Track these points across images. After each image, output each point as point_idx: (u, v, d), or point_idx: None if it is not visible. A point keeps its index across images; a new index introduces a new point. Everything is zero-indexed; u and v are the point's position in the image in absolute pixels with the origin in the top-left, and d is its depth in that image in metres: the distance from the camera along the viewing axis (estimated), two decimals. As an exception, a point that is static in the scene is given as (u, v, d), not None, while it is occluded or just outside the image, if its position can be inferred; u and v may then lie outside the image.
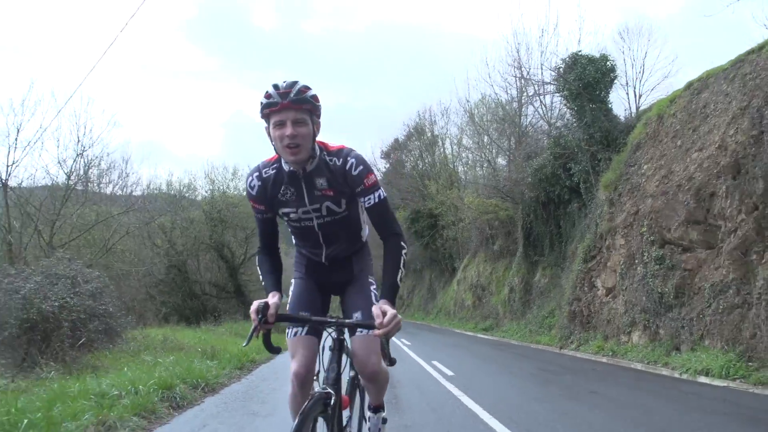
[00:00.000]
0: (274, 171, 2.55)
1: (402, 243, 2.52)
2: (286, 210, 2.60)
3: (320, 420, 2.18)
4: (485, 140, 25.84)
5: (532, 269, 19.98)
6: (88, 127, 28.58)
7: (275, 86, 2.37)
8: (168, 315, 26.44)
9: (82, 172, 23.10)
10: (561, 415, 5.77)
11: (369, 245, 2.95)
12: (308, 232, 2.67)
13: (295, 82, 2.38)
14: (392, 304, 2.31)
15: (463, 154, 32.73)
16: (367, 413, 3.00)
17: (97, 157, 23.56)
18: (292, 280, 2.90)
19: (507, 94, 22.51)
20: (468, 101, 28.44)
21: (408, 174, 38.71)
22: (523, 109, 22.75)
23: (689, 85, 12.73)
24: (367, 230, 2.87)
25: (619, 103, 20.23)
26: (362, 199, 2.53)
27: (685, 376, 8.38)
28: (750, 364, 7.70)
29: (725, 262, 8.77)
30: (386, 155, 42.33)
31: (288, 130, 2.34)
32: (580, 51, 16.46)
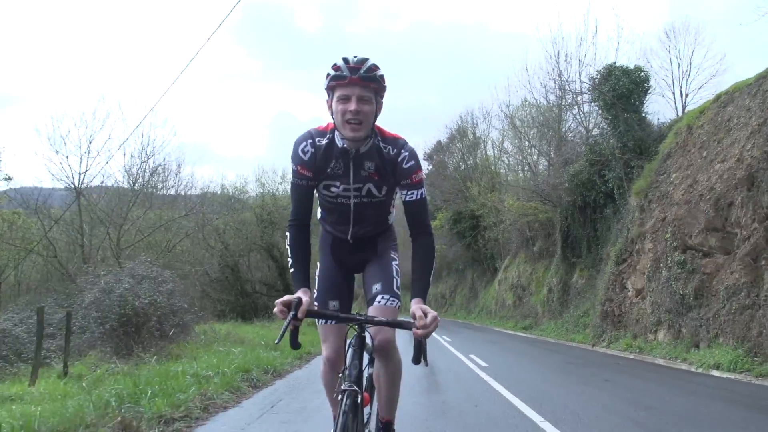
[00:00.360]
0: (327, 141, 2.56)
1: (432, 240, 2.61)
2: (329, 183, 2.61)
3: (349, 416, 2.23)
4: (525, 144, 26.70)
5: (570, 270, 20.83)
6: (152, 137, 30.94)
7: (345, 60, 2.39)
8: (224, 312, 28.37)
9: (146, 178, 25.21)
10: (571, 394, 6.89)
11: (394, 228, 2.99)
12: (342, 209, 2.70)
13: (366, 59, 2.40)
14: (425, 301, 2.38)
15: (504, 158, 33.51)
16: None
17: (159, 165, 25.65)
18: (318, 264, 2.93)
19: (546, 100, 23.36)
20: (508, 106, 29.45)
21: (450, 175, 39.72)
22: (562, 115, 23.53)
23: (717, 97, 13.51)
24: (393, 214, 2.92)
25: (665, 103, 20.82)
26: (405, 192, 2.57)
27: (699, 370, 9.31)
28: (756, 359, 8.60)
29: (738, 267, 9.66)
30: (429, 157, 43.47)
31: (352, 106, 2.37)
32: (614, 63, 17.32)
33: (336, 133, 2.52)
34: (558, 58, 21.71)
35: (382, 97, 2.48)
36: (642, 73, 16.66)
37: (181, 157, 65.19)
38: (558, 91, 21.97)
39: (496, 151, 34.74)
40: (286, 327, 2.22)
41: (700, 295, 10.66)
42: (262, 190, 35.06)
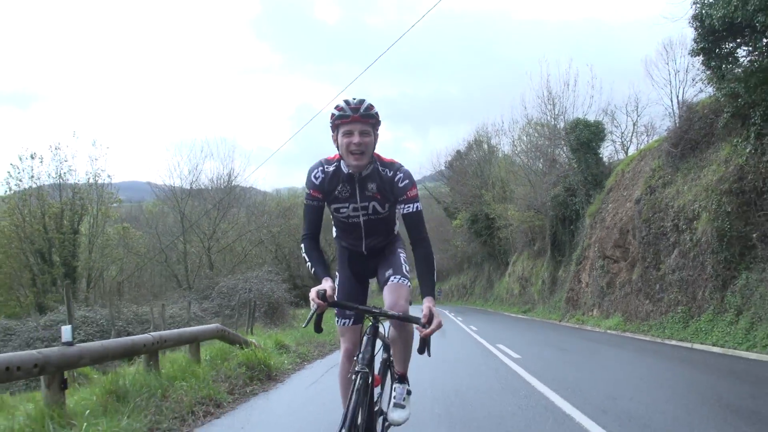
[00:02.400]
0: (334, 168, 3.18)
1: (430, 249, 3.19)
2: (338, 205, 3.25)
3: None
4: (525, 161, 33.72)
5: (557, 266, 27.87)
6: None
7: (346, 102, 3.03)
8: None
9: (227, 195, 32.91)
10: (526, 337, 14.13)
11: (400, 235, 3.62)
12: (353, 227, 3.35)
13: (363, 100, 3.04)
14: (434, 298, 2.93)
15: (512, 171, 40.47)
16: (393, 385, 3.54)
17: (235, 184, 33.32)
18: (337, 274, 3.58)
19: (538, 132, 30.40)
20: (514, 124, 36.43)
21: (468, 182, 46.75)
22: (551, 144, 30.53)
23: (640, 152, 20.48)
24: (398, 225, 3.56)
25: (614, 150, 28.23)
26: (402, 206, 3.17)
27: (604, 330, 16.45)
28: (628, 323, 15.75)
29: (625, 270, 16.80)
30: (450, 165, 50.60)
31: (355, 139, 3.00)
32: (579, 117, 24.32)
33: (342, 161, 3.15)
34: (547, 100, 28.78)
35: (377, 130, 3.11)
36: (599, 126, 23.65)
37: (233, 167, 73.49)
38: (546, 130, 29.01)
39: (506, 164, 41.54)
40: (313, 314, 2.83)
41: (610, 287, 17.81)
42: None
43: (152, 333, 7.30)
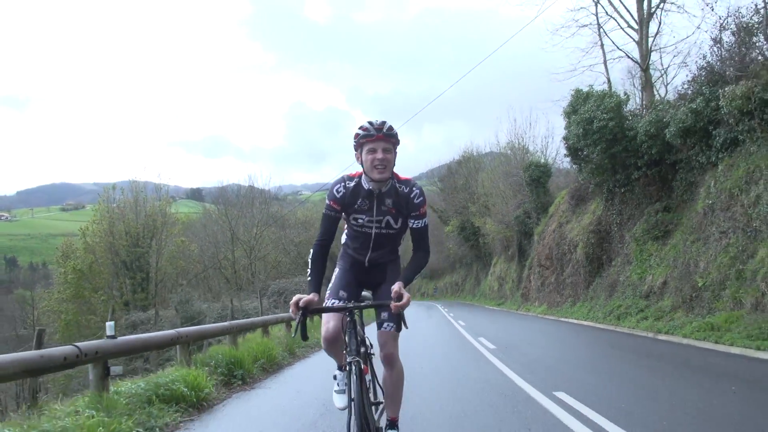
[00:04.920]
0: (355, 184, 3.64)
1: (427, 256, 3.69)
2: (357, 215, 3.69)
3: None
4: (500, 187, 43.07)
5: (521, 269, 37.27)
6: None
7: (370, 123, 3.48)
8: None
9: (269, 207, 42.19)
10: (481, 318, 23.47)
11: (400, 258, 4.05)
12: (364, 237, 3.77)
13: (385, 122, 3.49)
14: (405, 286, 3.37)
15: (490, 192, 49.82)
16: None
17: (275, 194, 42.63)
18: (336, 269, 3.99)
19: (508, 164, 39.83)
20: (492, 152, 45.74)
21: (458, 195, 56.08)
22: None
23: (562, 195, 29.85)
24: (401, 246, 4.03)
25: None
26: (413, 221, 3.65)
27: (535, 314, 25.82)
28: (551, 309, 25.16)
29: (551, 273, 26.25)
30: (441, 179, 60.01)
31: (379, 155, 3.44)
32: (533, 159, 33.69)
33: (363, 178, 3.61)
34: (515, 139, 38.19)
35: (396, 149, 3.57)
36: (547, 166, 33.01)
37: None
38: (515, 160, 38.46)
39: (487, 183, 50.86)
40: (299, 323, 3.22)
41: (543, 285, 27.25)
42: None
43: (231, 321, 10.80)
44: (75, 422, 4.56)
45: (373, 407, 3.65)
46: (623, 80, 33.15)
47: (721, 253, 13.14)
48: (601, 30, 20.66)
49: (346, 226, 3.89)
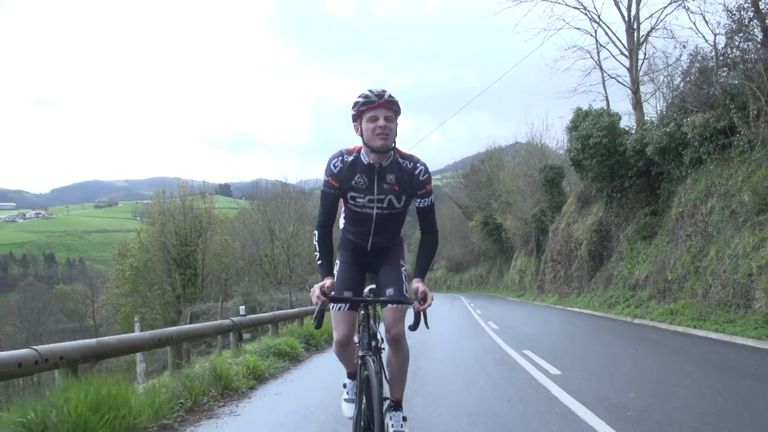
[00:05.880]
0: (353, 158, 3.46)
1: (437, 238, 3.58)
2: (354, 194, 3.49)
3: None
4: (519, 185, 46.21)
5: (539, 262, 40.49)
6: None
7: (370, 90, 3.35)
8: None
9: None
10: (503, 310, 26.87)
11: (402, 239, 3.98)
12: (365, 219, 3.59)
13: (385, 90, 3.35)
14: (423, 281, 3.29)
15: (511, 190, 52.92)
16: (389, 413, 3.64)
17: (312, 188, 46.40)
18: (337, 262, 3.83)
19: (526, 165, 42.99)
20: (515, 153, 48.86)
21: (482, 191, 59.28)
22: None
23: (571, 197, 33.01)
24: (402, 228, 3.89)
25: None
26: (419, 200, 3.49)
27: (548, 305, 29.09)
28: (561, 299, 28.43)
29: (561, 267, 29.51)
30: (465, 176, 63.28)
31: (381, 122, 3.29)
32: (546, 162, 36.81)
33: (362, 152, 3.45)
34: (534, 140, 41.33)
35: (398, 118, 3.39)
36: (561, 169, 36.10)
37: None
38: (535, 160, 41.63)
39: (508, 180, 53.97)
40: (318, 310, 3.17)
41: (556, 278, 30.51)
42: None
43: (275, 312, 18.09)
44: (235, 361, 8.16)
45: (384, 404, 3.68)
46: (622, 97, 35.68)
47: (685, 252, 16.37)
48: (600, 54, 23.75)
49: (344, 208, 3.72)
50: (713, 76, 15.73)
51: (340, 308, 3.64)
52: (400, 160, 3.47)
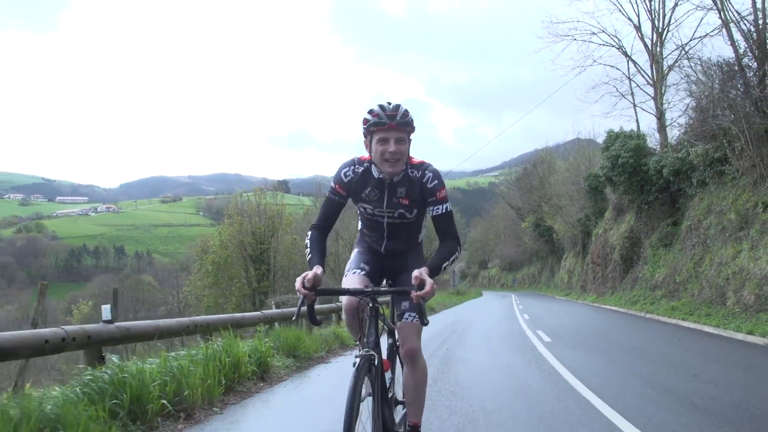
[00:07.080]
0: (364, 169, 3.34)
1: (457, 245, 3.25)
2: (365, 205, 3.42)
3: (366, 380, 2.78)
4: (567, 191, 49.47)
5: (584, 263, 43.81)
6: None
7: (382, 107, 3.12)
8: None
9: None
10: (543, 306, 30.65)
11: (423, 245, 3.78)
12: (377, 225, 3.50)
13: (399, 106, 3.14)
14: (430, 274, 2.93)
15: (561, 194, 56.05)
16: None
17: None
18: (355, 249, 3.75)
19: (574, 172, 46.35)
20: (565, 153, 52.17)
21: (535, 193, 62.59)
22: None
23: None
24: (423, 233, 3.66)
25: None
26: (432, 208, 3.29)
27: (586, 302, 32.66)
28: (598, 299, 32.00)
29: (599, 269, 33.06)
30: (517, 180, 66.72)
31: (391, 147, 3.11)
32: (591, 171, 40.18)
33: (373, 165, 3.30)
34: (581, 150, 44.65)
35: (411, 135, 3.22)
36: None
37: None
38: (582, 168, 45.03)
39: (558, 185, 57.14)
40: (300, 306, 2.85)
41: (595, 278, 34.03)
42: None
43: (337, 303, 23.01)
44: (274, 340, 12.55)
45: (399, 406, 3.60)
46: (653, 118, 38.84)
47: (689, 259, 19.98)
48: (631, 83, 27.28)
49: (358, 210, 3.57)
50: (710, 118, 19.25)
51: (355, 272, 3.54)
52: (409, 171, 3.32)
